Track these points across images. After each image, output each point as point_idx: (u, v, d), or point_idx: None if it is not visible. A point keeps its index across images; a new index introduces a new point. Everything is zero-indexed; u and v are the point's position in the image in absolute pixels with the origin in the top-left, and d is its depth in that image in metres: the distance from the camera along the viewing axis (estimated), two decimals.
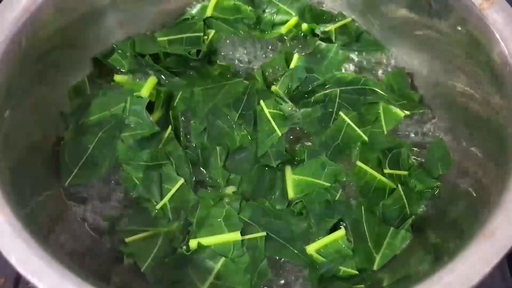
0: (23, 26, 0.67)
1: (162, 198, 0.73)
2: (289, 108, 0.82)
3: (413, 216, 0.74)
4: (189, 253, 0.68)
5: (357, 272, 0.69)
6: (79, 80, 0.83)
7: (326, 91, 0.84)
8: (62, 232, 0.68)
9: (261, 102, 0.81)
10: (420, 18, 0.82)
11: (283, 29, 0.93)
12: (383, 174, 0.76)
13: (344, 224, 0.73)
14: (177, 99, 0.82)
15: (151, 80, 0.83)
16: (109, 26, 0.86)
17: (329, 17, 0.96)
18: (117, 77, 0.84)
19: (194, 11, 0.93)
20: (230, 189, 0.76)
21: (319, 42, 0.90)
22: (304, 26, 0.92)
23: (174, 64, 0.87)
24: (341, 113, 0.81)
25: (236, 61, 0.91)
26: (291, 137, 0.81)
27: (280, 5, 0.95)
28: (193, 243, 0.69)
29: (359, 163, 0.76)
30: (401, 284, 0.64)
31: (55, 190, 0.74)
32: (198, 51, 0.88)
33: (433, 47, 0.82)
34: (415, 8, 0.82)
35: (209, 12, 0.92)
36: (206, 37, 0.90)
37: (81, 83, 0.83)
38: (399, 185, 0.76)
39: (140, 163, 0.76)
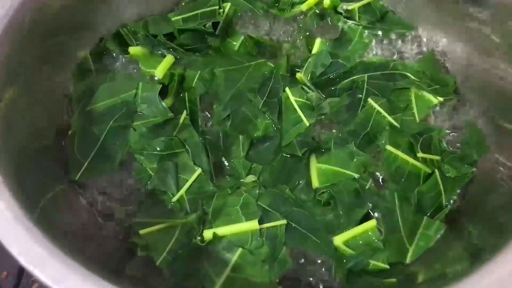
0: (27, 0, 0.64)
1: (178, 189, 0.70)
2: (316, 97, 0.78)
3: (449, 207, 0.70)
4: (204, 244, 0.65)
5: (388, 267, 0.65)
6: (83, 57, 0.80)
7: (353, 77, 0.81)
8: (70, 222, 0.66)
9: (287, 89, 0.78)
10: None
11: (304, 6, 0.89)
12: (416, 159, 0.72)
13: (375, 215, 0.69)
14: (195, 80, 0.79)
15: (168, 59, 0.80)
16: (119, 5, 0.82)
17: None
18: (132, 49, 0.81)
19: None
20: (249, 178, 0.72)
21: (342, 23, 0.86)
22: (327, 2, 0.88)
23: (190, 41, 0.84)
24: (370, 99, 0.77)
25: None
26: (316, 124, 0.78)
27: None
28: (208, 234, 0.66)
29: (388, 147, 0.72)
30: (437, 282, 0.59)
31: (63, 181, 0.70)
32: (215, 26, 0.84)
33: (465, 27, 0.78)
34: None
35: None
36: (221, 10, 0.86)
37: (84, 60, 0.80)
38: (436, 170, 0.71)
39: (154, 153, 0.72)
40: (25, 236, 0.50)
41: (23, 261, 0.48)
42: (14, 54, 0.62)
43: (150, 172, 0.72)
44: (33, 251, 0.49)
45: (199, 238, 0.66)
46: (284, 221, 0.67)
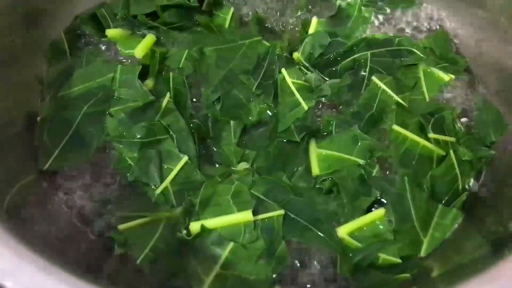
0: None
1: (162, 180, 0.65)
2: (315, 78, 0.73)
3: (467, 192, 0.65)
4: (191, 238, 0.60)
5: (399, 261, 0.60)
6: (57, 37, 0.74)
7: (355, 56, 0.76)
8: (40, 217, 0.61)
9: (283, 70, 0.73)
10: None
11: None
12: (428, 140, 0.67)
13: (384, 204, 0.64)
14: (182, 59, 0.74)
15: (149, 38, 0.75)
16: None
17: None
18: (110, 32, 0.75)
19: None
20: (242, 166, 0.67)
21: (340, 0, 0.82)
22: None
23: (174, 18, 0.78)
24: (374, 77, 0.72)
25: (248, 15, 0.82)
26: (316, 107, 0.73)
27: None
28: (195, 226, 0.60)
29: (395, 127, 0.67)
30: (453, 275, 0.55)
31: (33, 171, 0.65)
32: (201, 2, 0.79)
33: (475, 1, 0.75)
34: None
35: None
36: None
37: (58, 40, 0.74)
38: (451, 151, 0.65)
39: (134, 140, 0.67)
40: None
41: None
42: None
43: (130, 162, 0.66)
44: None
45: (185, 231, 0.61)
46: (281, 211, 0.61)
